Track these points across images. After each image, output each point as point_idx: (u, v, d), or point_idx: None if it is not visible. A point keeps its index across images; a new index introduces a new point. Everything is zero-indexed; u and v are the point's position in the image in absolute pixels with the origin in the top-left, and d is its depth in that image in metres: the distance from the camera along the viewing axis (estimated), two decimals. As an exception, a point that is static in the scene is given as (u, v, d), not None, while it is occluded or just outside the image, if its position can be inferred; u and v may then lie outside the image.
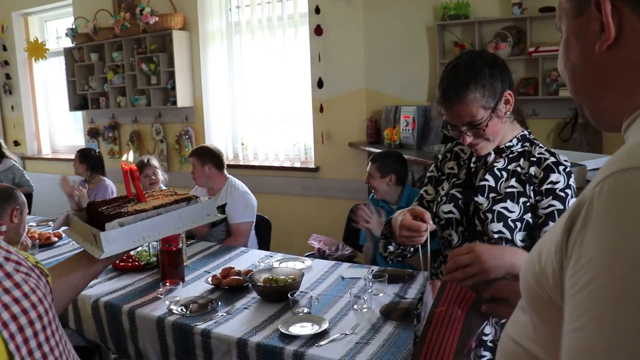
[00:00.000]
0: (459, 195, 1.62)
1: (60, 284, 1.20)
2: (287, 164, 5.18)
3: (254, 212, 3.59)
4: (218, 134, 5.56)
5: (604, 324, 0.47)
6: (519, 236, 1.52)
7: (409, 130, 4.18)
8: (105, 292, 2.57)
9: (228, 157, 5.52)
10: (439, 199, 1.68)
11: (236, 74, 5.47)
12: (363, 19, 4.52)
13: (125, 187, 1.37)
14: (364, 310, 2.24)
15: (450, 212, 1.62)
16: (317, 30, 4.67)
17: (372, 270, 2.64)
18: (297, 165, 5.14)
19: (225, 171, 3.67)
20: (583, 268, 0.52)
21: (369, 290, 2.34)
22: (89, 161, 4.49)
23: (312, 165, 5.01)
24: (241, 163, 5.40)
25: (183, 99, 5.45)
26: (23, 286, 0.98)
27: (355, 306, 2.26)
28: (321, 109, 4.78)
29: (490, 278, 1.26)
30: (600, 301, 0.48)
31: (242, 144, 5.51)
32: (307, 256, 3.18)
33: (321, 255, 3.32)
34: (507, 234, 1.51)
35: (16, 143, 7.38)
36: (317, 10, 4.61)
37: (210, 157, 3.57)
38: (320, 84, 4.72)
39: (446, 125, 1.58)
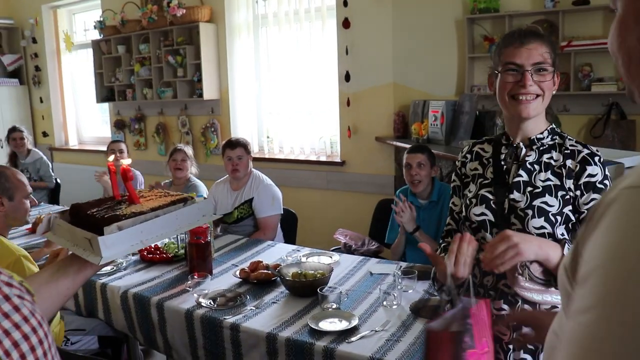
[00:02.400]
0: (490, 196, 1.57)
1: (48, 291, 1.13)
2: (313, 158, 5.17)
3: (281, 204, 3.58)
4: (244, 127, 5.56)
5: (596, 312, 0.51)
6: (559, 230, 1.49)
7: (437, 125, 4.13)
8: (134, 283, 2.59)
9: (253, 150, 5.51)
10: (468, 202, 1.63)
11: (262, 67, 5.46)
12: (391, 11, 4.47)
13: (113, 188, 1.30)
14: (394, 306, 2.21)
15: (482, 214, 1.57)
16: (345, 23, 4.63)
17: (401, 267, 2.62)
18: (323, 159, 5.12)
19: None
20: (587, 264, 0.55)
21: (398, 287, 2.32)
22: None
23: (338, 159, 4.98)
24: (266, 156, 5.40)
25: (209, 91, 5.46)
26: (22, 309, 0.89)
27: (384, 302, 2.24)
28: (348, 103, 4.74)
29: (524, 259, 1.36)
30: (594, 294, 0.52)
31: (268, 137, 5.51)
32: (332, 251, 3.16)
33: (347, 249, 3.30)
34: (549, 229, 1.48)
35: (45, 134, 7.48)
36: (345, 3, 4.57)
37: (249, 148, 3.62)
38: (347, 77, 4.69)
39: (499, 68, 1.53)
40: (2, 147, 6.91)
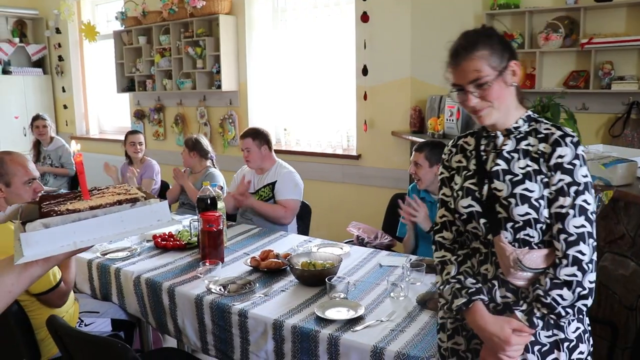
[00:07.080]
0: (474, 187, 1.60)
1: None
2: (329, 151, 5.19)
3: (302, 192, 3.60)
4: (261, 119, 5.59)
5: None
6: (545, 213, 1.49)
7: (453, 120, 4.12)
8: (147, 269, 2.64)
9: (270, 143, 5.56)
10: (455, 194, 1.65)
11: (281, 60, 5.49)
12: (410, 6, 4.46)
13: (80, 183, 1.16)
14: (401, 298, 2.23)
15: (469, 205, 1.59)
16: (364, 17, 4.63)
17: (410, 259, 2.63)
18: (339, 152, 5.13)
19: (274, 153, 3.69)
20: None
21: (407, 279, 2.33)
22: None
23: (354, 153, 4.99)
24: (283, 149, 5.43)
25: (228, 83, 5.51)
26: None
27: (392, 294, 2.25)
28: (365, 97, 4.75)
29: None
30: None
31: (285, 130, 5.53)
32: (345, 243, 3.17)
33: (360, 242, 3.30)
34: (534, 214, 1.49)
35: (66, 123, 7.60)
36: (364, -3, 4.58)
37: (265, 139, 3.59)
38: (365, 71, 4.69)
39: (453, 90, 1.58)
40: (25, 135, 7.05)
